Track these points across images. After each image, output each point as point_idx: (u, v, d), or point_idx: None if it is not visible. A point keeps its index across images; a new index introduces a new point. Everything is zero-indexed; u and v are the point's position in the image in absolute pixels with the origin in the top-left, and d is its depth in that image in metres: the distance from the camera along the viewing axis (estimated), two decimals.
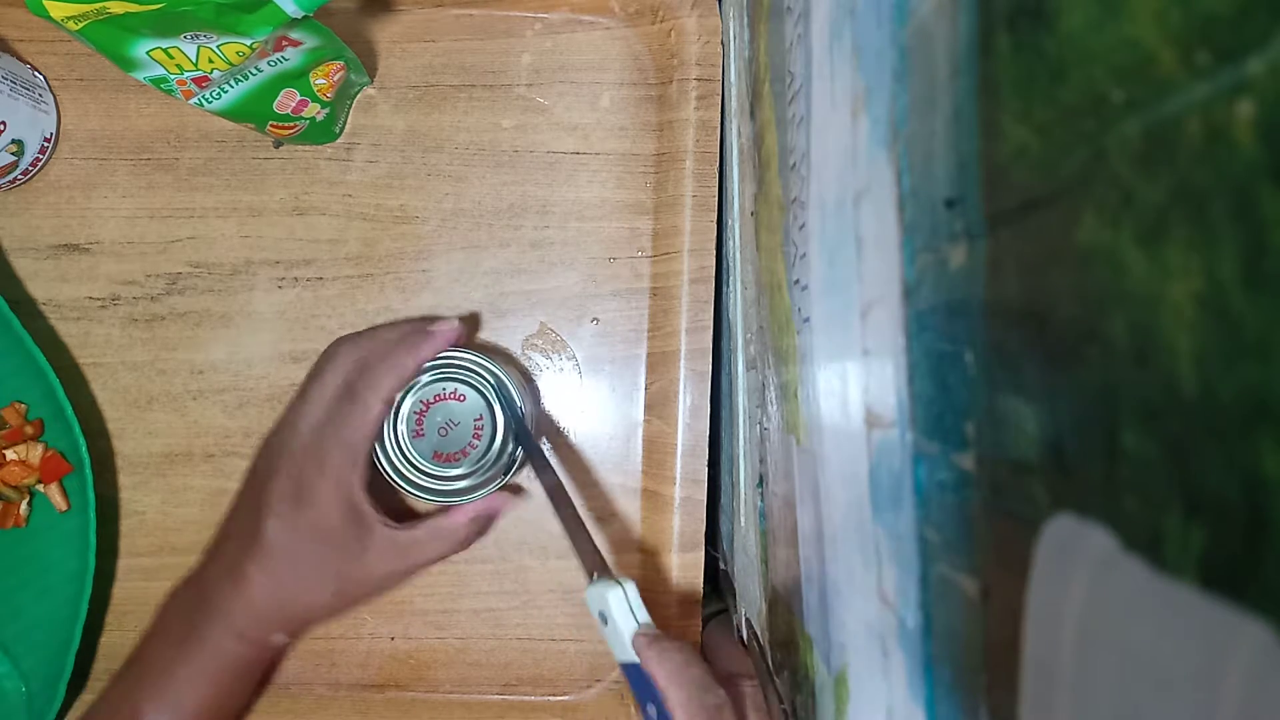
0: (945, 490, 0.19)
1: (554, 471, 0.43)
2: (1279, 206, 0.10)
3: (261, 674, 0.43)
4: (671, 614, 0.47)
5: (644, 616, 0.38)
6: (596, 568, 0.40)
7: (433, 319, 0.44)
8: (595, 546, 0.40)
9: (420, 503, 0.46)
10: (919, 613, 0.21)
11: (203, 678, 0.40)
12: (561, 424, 0.49)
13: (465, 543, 0.44)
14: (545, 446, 0.48)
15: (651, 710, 0.36)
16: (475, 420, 0.43)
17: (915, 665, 0.22)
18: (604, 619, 0.38)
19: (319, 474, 0.40)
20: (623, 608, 0.38)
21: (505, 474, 0.43)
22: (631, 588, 0.38)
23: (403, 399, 0.42)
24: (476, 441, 0.43)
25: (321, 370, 0.42)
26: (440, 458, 0.43)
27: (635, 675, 0.37)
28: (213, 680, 0.40)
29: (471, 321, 0.49)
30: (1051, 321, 0.15)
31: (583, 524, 0.41)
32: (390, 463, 0.43)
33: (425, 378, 0.43)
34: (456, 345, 0.43)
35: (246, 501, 0.42)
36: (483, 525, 0.44)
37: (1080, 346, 0.14)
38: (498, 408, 0.43)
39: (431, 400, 0.43)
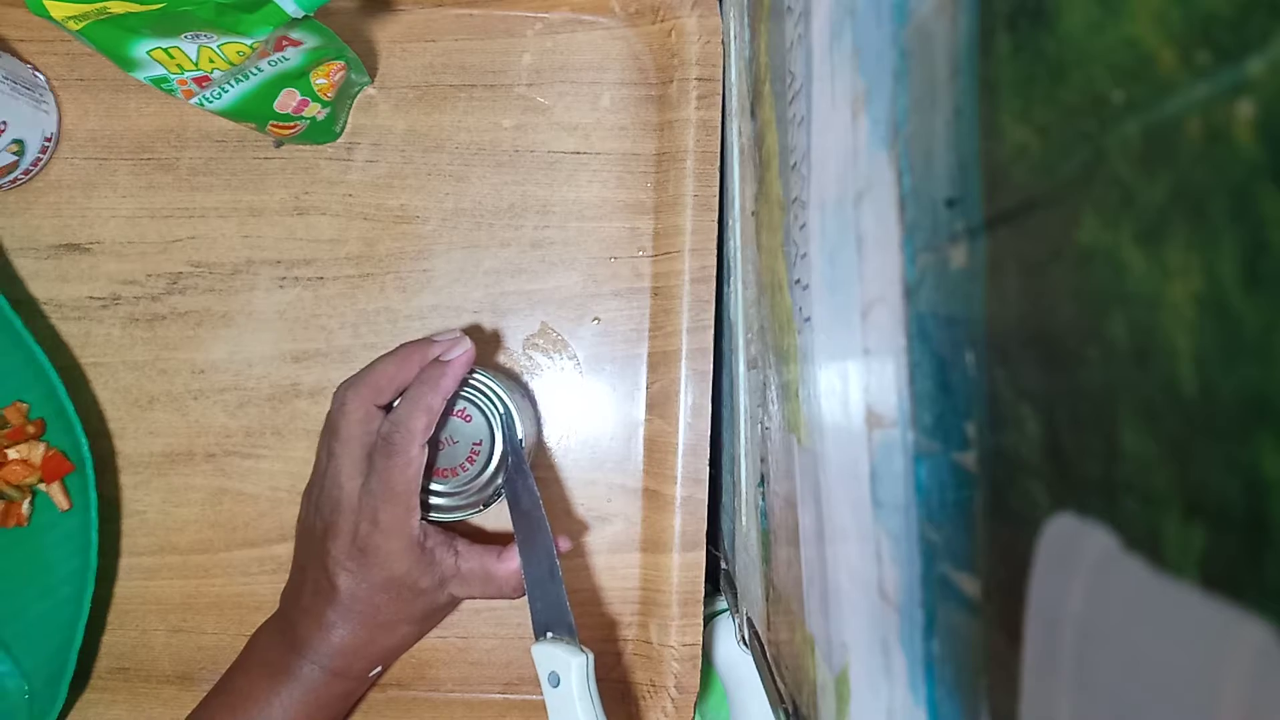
0: (946, 490, 0.19)
1: (541, 511, 0.42)
2: (1279, 206, 0.10)
3: (355, 702, 0.45)
4: (672, 613, 0.47)
5: (595, 691, 0.38)
6: (564, 628, 0.40)
7: (428, 339, 0.43)
8: (568, 605, 0.40)
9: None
10: (921, 612, 0.21)
11: (298, 708, 0.41)
12: (562, 424, 0.49)
13: (512, 590, 0.44)
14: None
15: None
16: (474, 443, 0.43)
17: (916, 665, 0.22)
18: (555, 679, 0.38)
19: (376, 530, 0.40)
20: (582, 679, 0.38)
21: (485, 505, 0.43)
22: (592, 660, 0.38)
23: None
24: (469, 465, 0.43)
25: (341, 425, 0.41)
26: (451, 472, 0.43)
27: None
28: (307, 711, 0.41)
29: (472, 334, 0.49)
30: (1052, 321, 0.15)
31: (560, 576, 0.41)
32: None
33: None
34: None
35: (310, 555, 0.42)
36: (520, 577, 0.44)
37: (1080, 346, 0.14)
38: (499, 435, 0.43)
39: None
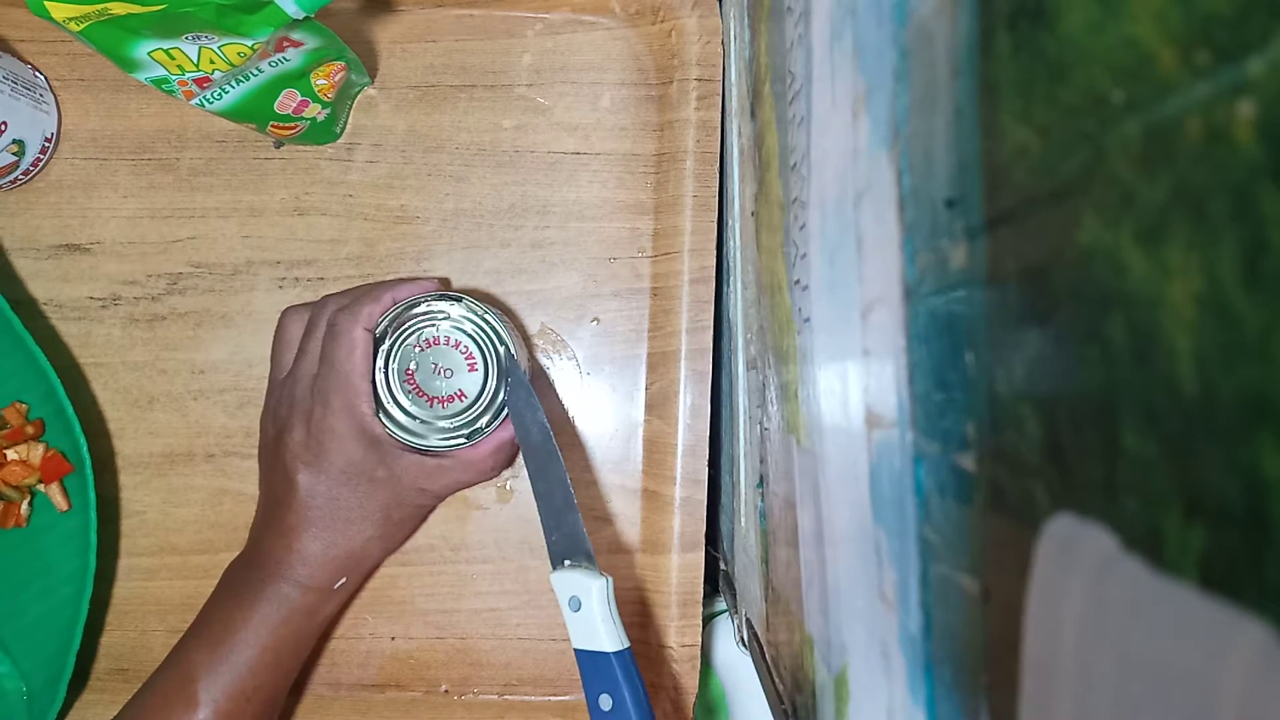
0: (946, 490, 0.19)
1: (553, 443, 0.42)
2: (1279, 206, 0.10)
3: (325, 623, 0.45)
4: (672, 614, 0.47)
5: (616, 615, 0.39)
6: (582, 555, 0.40)
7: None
8: (584, 531, 0.40)
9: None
10: (919, 613, 0.21)
11: (264, 629, 0.41)
12: (562, 424, 0.49)
13: (491, 471, 0.45)
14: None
15: (605, 702, 0.36)
16: (468, 364, 0.43)
17: (916, 665, 0.22)
18: (576, 603, 0.38)
19: (328, 412, 0.41)
20: (603, 603, 0.38)
21: (468, 438, 0.43)
22: (611, 584, 0.39)
23: (393, 344, 0.43)
24: (460, 399, 0.43)
25: (284, 333, 0.44)
26: (431, 400, 0.43)
27: (593, 664, 0.37)
28: (273, 632, 0.41)
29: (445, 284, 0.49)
30: (1051, 321, 0.15)
31: (574, 503, 0.41)
32: (380, 404, 0.43)
33: (416, 322, 0.43)
34: (448, 290, 0.44)
35: (271, 465, 0.43)
36: (508, 453, 0.45)
37: (1080, 346, 0.14)
38: (481, 337, 0.43)
39: (424, 345, 0.43)
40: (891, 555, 0.23)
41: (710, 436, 0.48)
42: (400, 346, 0.43)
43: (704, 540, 0.48)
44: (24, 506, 0.47)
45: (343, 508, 0.42)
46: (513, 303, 0.49)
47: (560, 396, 0.49)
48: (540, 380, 0.49)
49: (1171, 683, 0.12)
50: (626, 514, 0.49)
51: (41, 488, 0.47)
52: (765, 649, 0.42)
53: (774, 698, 0.39)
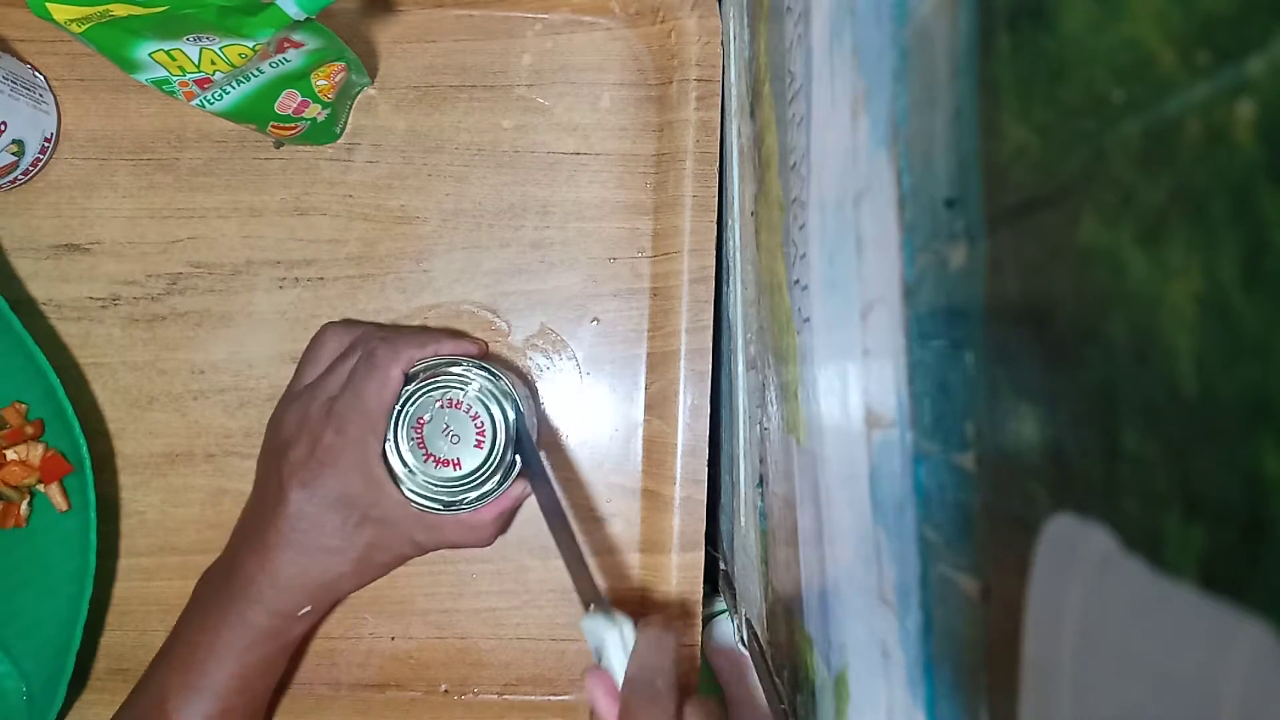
0: (945, 490, 0.19)
1: (553, 489, 0.42)
2: (1279, 206, 0.10)
3: (290, 646, 0.44)
4: (671, 614, 0.47)
5: None
6: (594, 600, 0.40)
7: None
8: (591, 577, 0.40)
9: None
10: (919, 613, 0.21)
11: (230, 655, 0.41)
12: (561, 424, 0.49)
13: (488, 539, 0.45)
14: (546, 464, 0.47)
15: None
16: (476, 439, 0.42)
17: (915, 665, 0.22)
18: (598, 654, 0.38)
19: (340, 438, 0.41)
20: (618, 650, 0.37)
21: (501, 483, 0.43)
22: (629, 628, 0.38)
23: (418, 389, 0.42)
24: (461, 465, 0.42)
25: (320, 347, 0.44)
26: (439, 463, 0.42)
27: None
28: (239, 657, 0.41)
29: (472, 333, 0.49)
30: (1051, 321, 0.15)
31: (580, 552, 0.41)
32: (390, 463, 0.42)
33: (449, 379, 0.43)
34: (468, 355, 0.43)
35: (267, 474, 0.43)
36: (506, 521, 0.45)
37: (1080, 346, 0.14)
38: (500, 418, 0.42)
39: (446, 403, 0.43)
40: (891, 555, 0.23)
41: (710, 436, 0.48)
42: (424, 395, 0.42)
43: (704, 540, 0.48)
44: (24, 506, 0.47)
45: (326, 535, 0.41)
46: (513, 302, 0.49)
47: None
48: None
49: (1171, 683, 0.12)
50: (626, 514, 0.49)
51: (41, 488, 0.47)
52: (765, 649, 0.42)
53: (774, 698, 0.39)
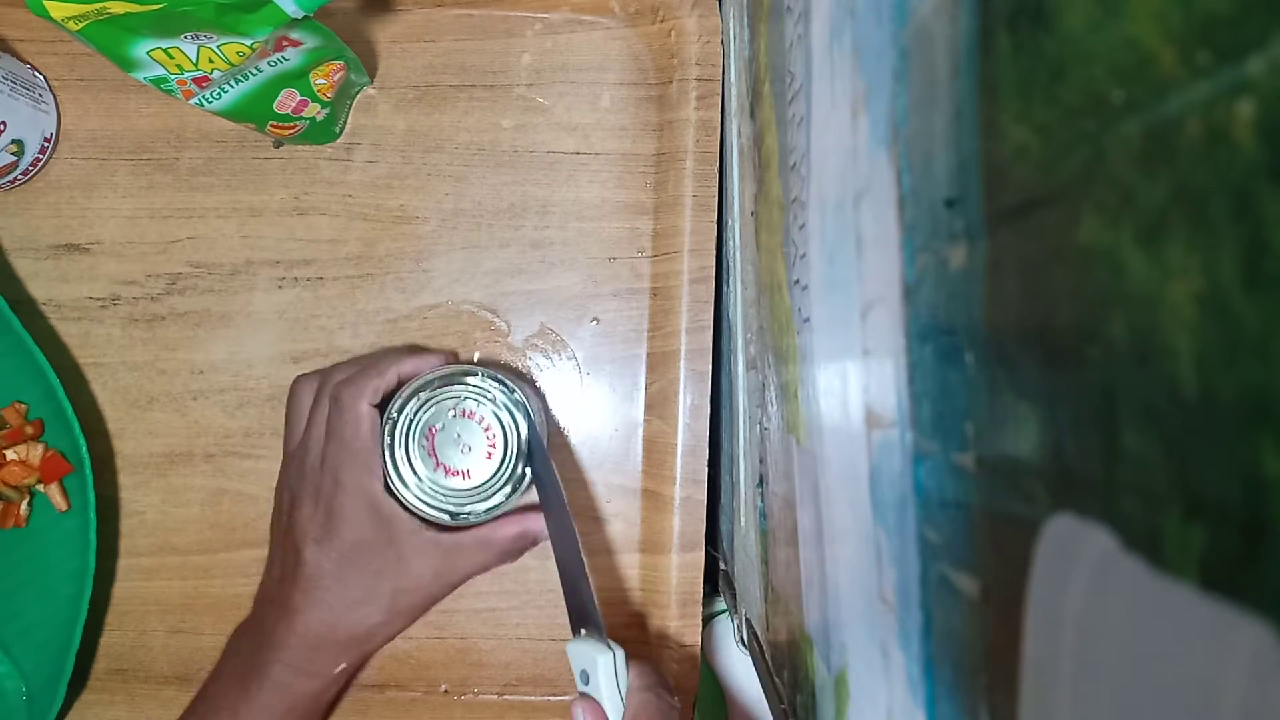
0: (945, 490, 0.19)
1: (566, 509, 0.42)
2: (1279, 206, 0.10)
3: (328, 706, 0.44)
4: (671, 614, 0.47)
5: (625, 687, 0.38)
6: (592, 625, 0.39)
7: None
8: (596, 602, 0.40)
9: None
10: (919, 613, 0.21)
11: (265, 715, 0.40)
12: (562, 424, 0.49)
13: (509, 555, 0.44)
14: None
15: None
16: (486, 450, 0.42)
17: (915, 665, 0.22)
18: (585, 678, 0.38)
19: (337, 488, 0.41)
20: (610, 677, 0.37)
21: (510, 496, 0.43)
22: (621, 656, 0.38)
23: (431, 397, 0.42)
24: (473, 475, 0.42)
25: (296, 403, 0.44)
26: (449, 472, 0.42)
27: None
28: (277, 717, 0.41)
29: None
30: (1051, 321, 0.15)
31: (587, 573, 0.41)
32: (398, 475, 0.42)
33: (466, 390, 0.42)
34: (479, 364, 0.43)
35: (281, 540, 0.43)
36: (526, 541, 0.45)
37: (1080, 346, 0.14)
38: (511, 430, 0.42)
39: (461, 413, 0.42)
40: (891, 555, 0.23)
41: (710, 436, 0.48)
42: (436, 405, 0.42)
43: (704, 540, 0.48)
44: (24, 506, 0.47)
45: (350, 588, 0.41)
46: (513, 302, 0.49)
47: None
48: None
49: (1171, 683, 0.12)
50: (626, 514, 0.49)
51: (41, 488, 0.47)
52: (765, 649, 0.42)
53: (774, 698, 0.39)
